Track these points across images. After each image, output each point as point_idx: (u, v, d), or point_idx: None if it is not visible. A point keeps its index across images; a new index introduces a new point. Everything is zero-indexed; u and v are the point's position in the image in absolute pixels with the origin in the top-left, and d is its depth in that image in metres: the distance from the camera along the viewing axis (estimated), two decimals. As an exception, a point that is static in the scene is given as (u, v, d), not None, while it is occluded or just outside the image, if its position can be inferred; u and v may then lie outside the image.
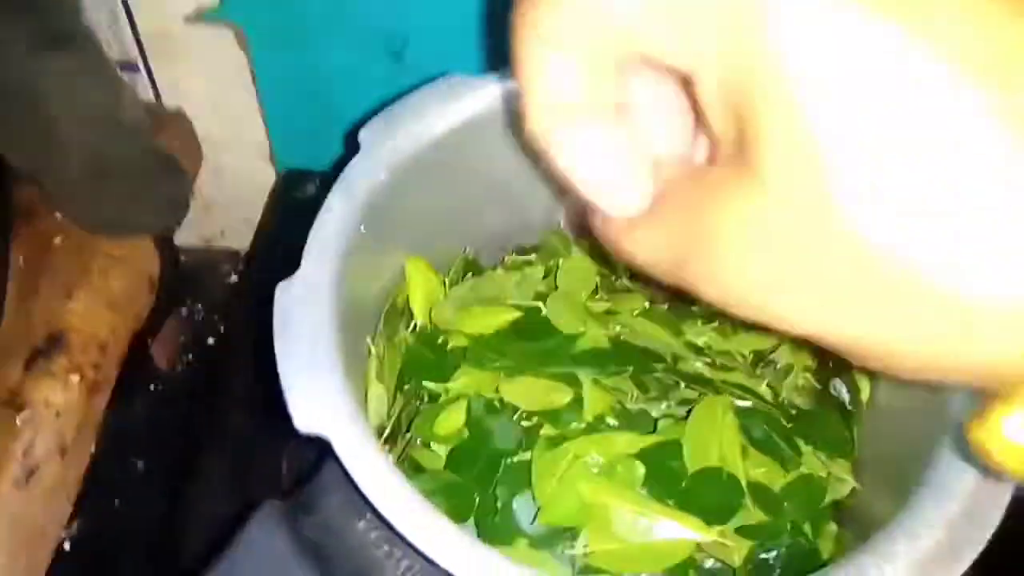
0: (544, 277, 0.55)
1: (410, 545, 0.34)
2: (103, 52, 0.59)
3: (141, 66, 0.75)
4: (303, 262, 0.40)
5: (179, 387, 0.80)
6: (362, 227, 0.43)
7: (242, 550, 0.35)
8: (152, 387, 0.79)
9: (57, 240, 0.59)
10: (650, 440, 0.43)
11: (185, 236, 0.90)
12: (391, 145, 0.45)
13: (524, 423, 0.44)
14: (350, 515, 0.38)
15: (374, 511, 0.35)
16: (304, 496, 0.39)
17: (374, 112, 0.50)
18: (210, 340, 0.83)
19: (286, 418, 0.36)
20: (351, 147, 0.46)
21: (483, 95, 0.48)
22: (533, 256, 0.57)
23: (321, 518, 0.38)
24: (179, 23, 0.71)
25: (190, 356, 0.82)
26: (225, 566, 0.35)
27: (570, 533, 0.41)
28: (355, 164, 0.44)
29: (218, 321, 0.85)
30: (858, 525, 0.45)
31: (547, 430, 0.44)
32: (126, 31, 0.72)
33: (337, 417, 0.35)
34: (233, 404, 0.65)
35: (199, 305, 0.86)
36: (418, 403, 0.50)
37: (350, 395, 0.36)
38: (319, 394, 0.36)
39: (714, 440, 0.43)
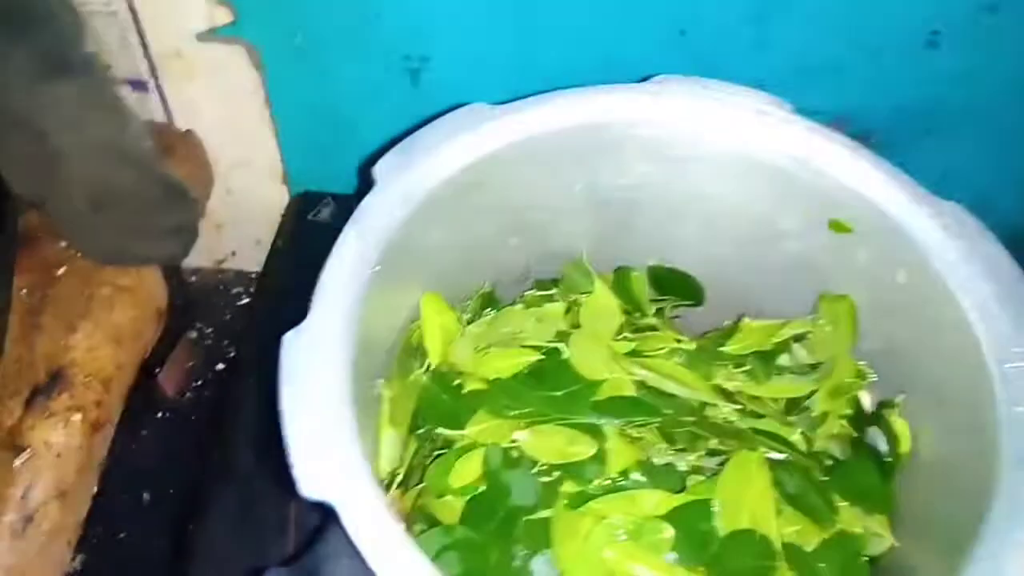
0: (567, 312, 0.53)
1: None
2: (108, 79, 0.58)
3: (152, 85, 0.73)
4: (312, 309, 0.38)
5: (187, 414, 0.78)
6: (377, 267, 0.40)
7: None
8: (160, 415, 0.77)
9: (61, 270, 0.57)
10: (679, 500, 0.40)
11: (196, 257, 0.88)
12: (406, 179, 0.43)
13: (544, 478, 0.42)
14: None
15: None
16: (309, 562, 0.36)
17: (390, 135, 0.47)
18: (219, 365, 0.81)
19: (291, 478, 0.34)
20: (365, 181, 0.43)
21: (501, 125, 0.46)
22: (554, 291, 0.54)
23: (326, 586, 0.35)
24: (191, 41, 0.69)
25: (199, 382, 0.80)
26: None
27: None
28: (369, 201, 0.42)
29: (228, 345, 0.83)
30: (898, 585, 0.43)
31: (568, 486, 0.41)
32: (137, 50, 0.71)
33: (344, 484, 0.33)
34: (242, 436, 0.63)
35: (209, 329, 0.84)
36: (432, 448, 0.47)
37: (361, 460, 0.34)
38: (326, 459, 0.33)
39: (746, 499, 0.40)
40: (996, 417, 0.38)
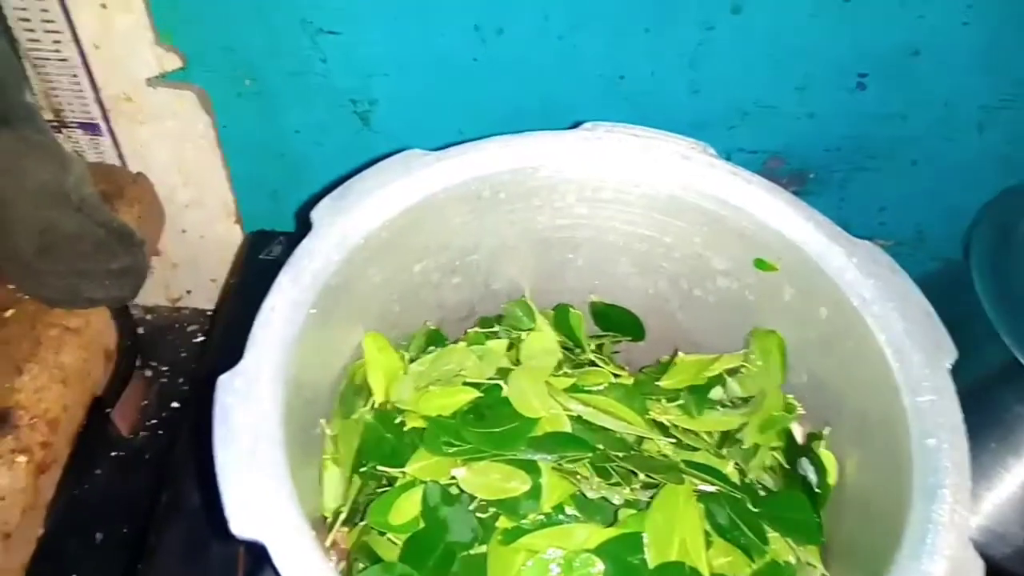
0: (509, 348, 0.54)
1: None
2: (47, 128, 0.58)
3: (104, 128, 0.74)
4: (246, 353, 0.39)
5: (141, 453, 0.78)
6: (312, 309, 0.41)
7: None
8: (114, 454, 0.77)
9: (8, 312, 0.57)
10: (609, 533, 0.41)
11: (152, 296, 0.89)
12: (343, 223, 0.44)
13: (480, 514, 0.43)
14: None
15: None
16: (244, 602, 0.37)
17: (340, 175, 0.48)
18: (174, 404, 0.81)
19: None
20: (303, 224, 0.45)
21: (438, 170, 0.47)
22: (497, 328, 0.56)
23: (261, 625, 0.36)
24: (142, 86, 0.70)
25: (153, 421, 0.80)
26: None
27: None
28: (305, 244, 0.43)
29: (183, 384, 0.83)
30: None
31: (503, 522, 0.42)
32: (89, 94, 0.72)
33: (275, 523, 0.34)
34: (191, 475, 0.63)
35: (164, 367, 0.84)
36: (375, 485, 0.48)
37: (291, 498, 0.35)
38: (256, 498, 0.34)
39: (676, 532, 0.42)
40: (909, 448, 0.40)
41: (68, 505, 0.62)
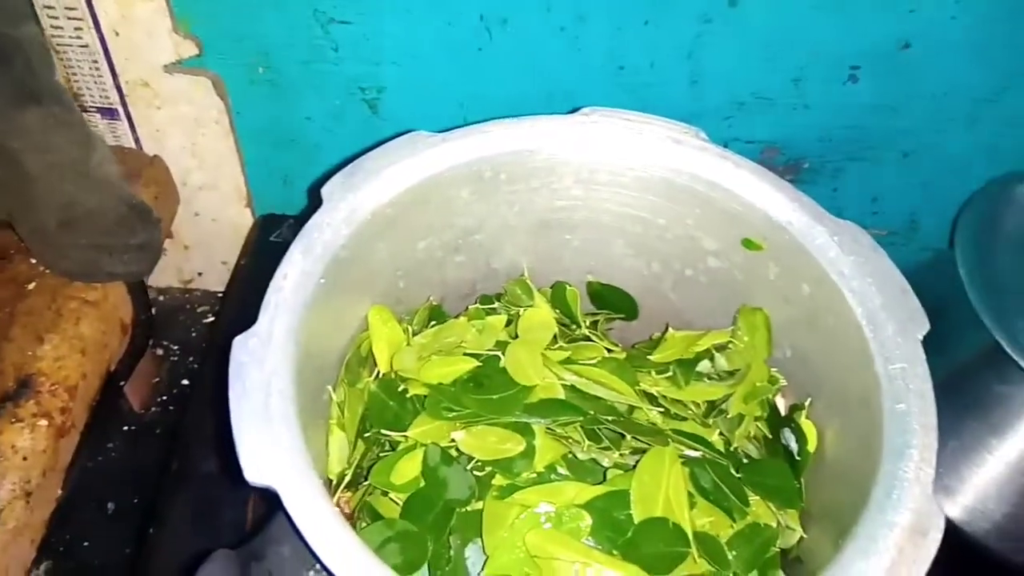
0: (507, 325, 0.57)
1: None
2: (75, 107, 0.61)
3: (122, 113, 0.77)
4: (260, 316, 0.41)
5: (153, 428, 0.81)
6: (322, 279, 0.44)
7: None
8: (126, 428, 0.80)
9: (31, 285, 0.60)
10: (597, 490, 0.44)
11: (164, 278, 0.92)
12: (351, 199, 0.47)
13: (477, 473, 0.45)
14: (298, 565, 0.39)
15: (321, 562, 0.36)
16: (255, 545, 0.39)
17: (350, 160, 0.51)
18: (184, 381, 0.84)
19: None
20: (315, 201, 0.47)
21: (443, 151, 0.50)
22: (496, 305, 0.58)
23: (270, 567, 0.38)
24: (159, 72, 0.73)
25: (164, 397, 0.83)
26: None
27: (517, 584, 0.42)
28: (316, 219, 0.46)
29: (193, 362, 0.86)
30: (805, 574, 0.46)
31: (498, 479, 0.45)
32: (108, 79, 0.74)
33: (286, 469, 0.36)
34: (203, 448, 0.66)
35: (175, 347, 0.87)
36: (378, 450, 0.51)
37: (301, 447, 0.38)
38: (269, 447, 0.37)
39: (660, 490, 0.44)
40: (882, 413, 0.42)
41: (83, 475, 0.65)
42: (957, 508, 0.63)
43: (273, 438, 0.37)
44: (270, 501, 0.39)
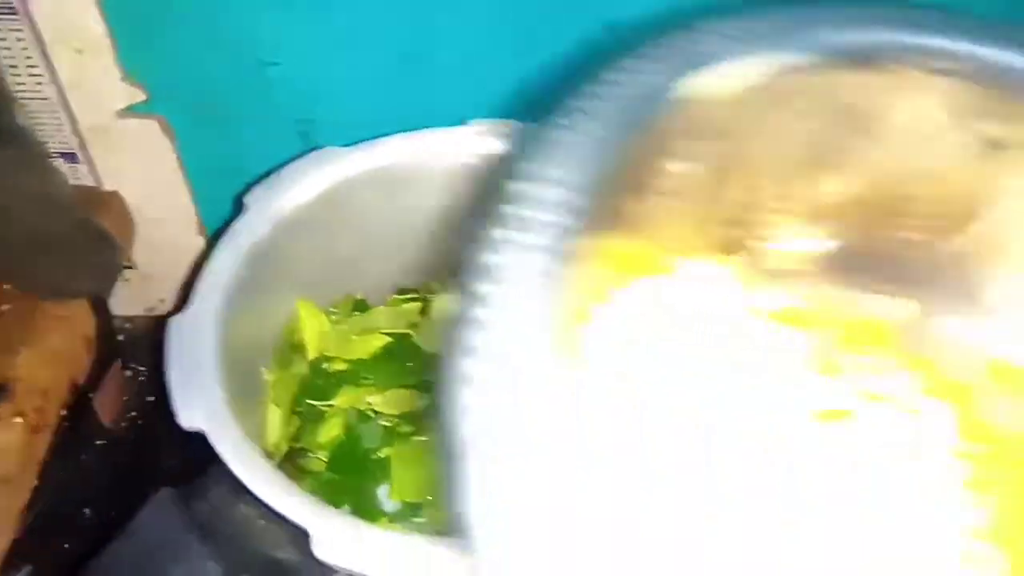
0: (422, 313, 0.65)
1: (277, 514, 0.43)
2: (38, 143, 0.70)
3: (81, 157, 0.86)
4: (192, 301, 0.50)
5: (123, 440, 0.88)
6: (244, 270, 0.53)
7: (140, 527, 0.44)
8: (97, 442, 0.88)
9: (6, 307, 0.68)
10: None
11: (130, 307, 1.00)
12: (270, 204, 0.56)
13: (386, 423, 0.54)
14: (234, 499, 0.47)
15: (251, 493, 0.44)
16: (195, 485, 0.48)
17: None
18: (151, 397, 0.92)
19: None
20: (238, 209, 0.56)
21: (350, 160, 0.59)
22: (413, 295, 0.67)
23: (210, 501, 0.47)
24: (113, 117, 0.82)
25: (133, 413, 0.91)
26: (124, 540, 0.43)
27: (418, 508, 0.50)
28: (239, 222, 0.55)
29: (159, 379, 0.94)
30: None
31: (403, 428, 0.53)
32: (67, 126, 0.83)
33: (213, 415, 0.45)
34: (169, 456, 0.74)
35: (142, 367, 0.95)
36: (310, 423, 0.59)
37: (226, 401, 0.46)
38: (199, 398, 0.45)
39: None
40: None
41: (59, 485, 0.73)
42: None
43: (202, 392, 0.46)
44: (210, 454, 0.47)
